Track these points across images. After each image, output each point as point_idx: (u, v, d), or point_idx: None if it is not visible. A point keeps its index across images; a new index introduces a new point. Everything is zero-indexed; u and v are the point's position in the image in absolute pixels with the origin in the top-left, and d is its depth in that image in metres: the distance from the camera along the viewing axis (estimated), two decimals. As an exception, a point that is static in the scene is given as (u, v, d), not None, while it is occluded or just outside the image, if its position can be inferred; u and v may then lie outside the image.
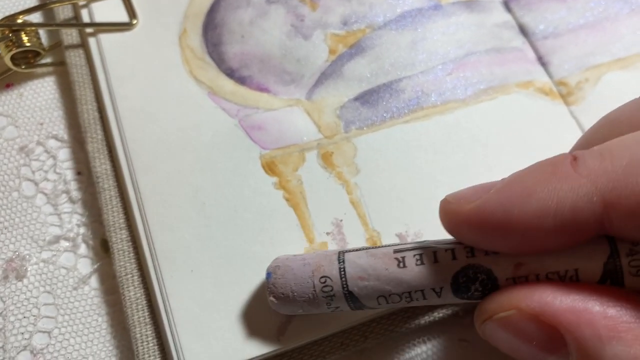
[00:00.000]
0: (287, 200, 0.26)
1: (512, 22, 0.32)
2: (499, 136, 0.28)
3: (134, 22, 0.30)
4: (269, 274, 0.22)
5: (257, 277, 0.25)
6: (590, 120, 0.29)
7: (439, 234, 0.24)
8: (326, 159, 0.27)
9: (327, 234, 0.26)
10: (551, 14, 0.32)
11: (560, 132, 0.30)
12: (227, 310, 0.24)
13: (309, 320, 0.24)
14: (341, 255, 0.21)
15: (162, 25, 0.30)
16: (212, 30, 0.30)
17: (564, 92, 0.31)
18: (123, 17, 0.30)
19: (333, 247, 0.26)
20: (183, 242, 0.25)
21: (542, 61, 0.31)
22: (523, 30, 0.32)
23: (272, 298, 0.22)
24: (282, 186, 0.26)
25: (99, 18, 0.30)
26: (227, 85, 0.29)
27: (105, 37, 0.30)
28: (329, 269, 0.21)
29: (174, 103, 0.28)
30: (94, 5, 0.30)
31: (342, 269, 0.20)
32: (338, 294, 0.21)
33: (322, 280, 0.20)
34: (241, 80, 0.29)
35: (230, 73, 0.29)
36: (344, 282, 0.20)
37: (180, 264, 0.25)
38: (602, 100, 0.30)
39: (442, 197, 0.24)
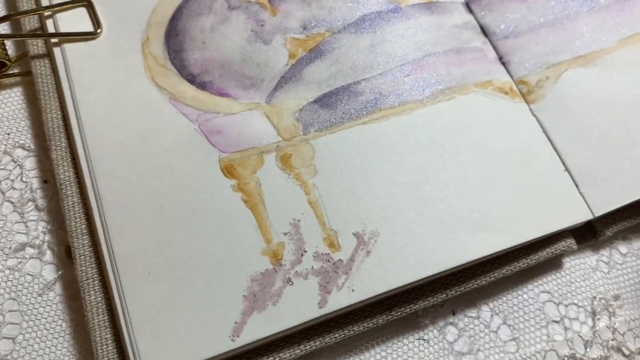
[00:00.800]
0: (245, 202, 0.27)
1: (473, 22, 0.33)
2: (457, 136, 0.29)
3: (99, 31, 0.30)
4: None
5: (213, 280, 0.25)
6: (549, 118, 0.29)
7: (396, 232, 0.25)
8: (285, 161, 0.27)
9: (285, 234, 0.26)
10: (512, 13, 0.32)
11: (520, 131, 0.30)
12: (184, 313, 0.24)
13: (265, 321, 0.24)
14: None
15: (125, 34, 0.30)
16: (174, 37, 0.30)
17: (524, 91, 0.31)
18: (88, 26, 0.31)
19: (291, 247, 0.26)
20: (141, 246, 0.25)
21: (502, 60, 0.32)
22: (484, 30, 0.33)
23: None
24: (241, 188, 0.27)
25: (64, 28, 0.30)
26: (188, 90, 0.29)
27: (71, 47, 0.30)
28: None
29: (135, 109, 0.28)
30: (59, 16, 0.31)
31: None
32: None
33: None
34: (202, 86, 0.29)
35: (192, 79, 0.29)
36: None
37: (139, 268, 0.25)
38: (562, 98, 0.30)
39: (399, 196, 0.24)
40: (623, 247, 0.30)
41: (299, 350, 0.25)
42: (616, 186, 0.29)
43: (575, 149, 0.29)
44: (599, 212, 0.29)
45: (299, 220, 0.26)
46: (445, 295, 0.27)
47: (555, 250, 0.29)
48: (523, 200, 0.28)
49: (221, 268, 0.25)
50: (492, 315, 0.28)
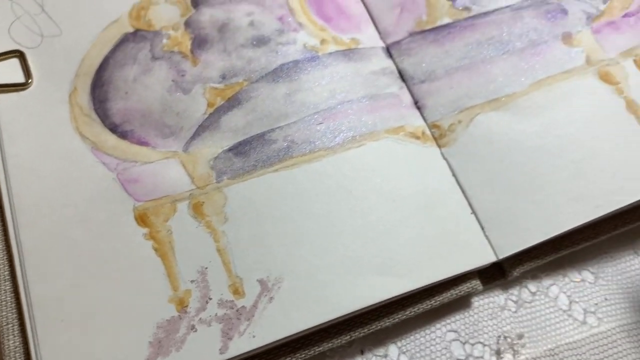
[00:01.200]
0: (155, 250, 0.28)
1: (391, 67, 0.34)
2: (365, 182, 0.30)
3: (29, 81, 0.32)
4: None
5: (122, 326, 0.26)
6: (459, 161, 0.30)
7: (299, 278, 0.26)
8: (197, 209, 0.29)
9: (192, 281, 0.27)
10: (430, 57, 0.34)
11: (430, 175, 0.31)
12: (93, 359, 0.26)
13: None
14: None
15: (55, 85, 0.32)
16: (99, 87, 0.32)
17: (437, 135, 0.32)
18: (20, 77, 0.32)
19: (197, 294, 0.27)
20: (57, 293, 0.27)
21: (418, 105, 0.33)
22: (402, 75, 0.34)
23: None
24: (152, 237, 0.28)
25: (-4, 79, 0.32)
26: (110, 140, 0.30)
27: (2, 98, 0.32)
28: None
29: (59, 159, 0.30)
30: (-8, 67, 0.32)
31: None
32: None
33: None
34: (123, 135, 0.31)
35: (114, 128, 0.31)
36: None
37: (53, 314, 0.27)
38: (472, 142, 0.32)
39: (305, 242, 0.25)
40: (532, 286, 0.32)
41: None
42: (520, 229, 0.30)
43: (483, 192, 0.31)
44: (503, 255, 0.30)
45: (206, 268, 0.28)
46: (349, 336, 0.28)
47: (460, 292, 0.30)
48: (427, 243, 0.29)
49: (130, 315, 0.27)
50: (399, 354, 0.30)
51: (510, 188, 0.31)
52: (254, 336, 0.27)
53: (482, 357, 0.30)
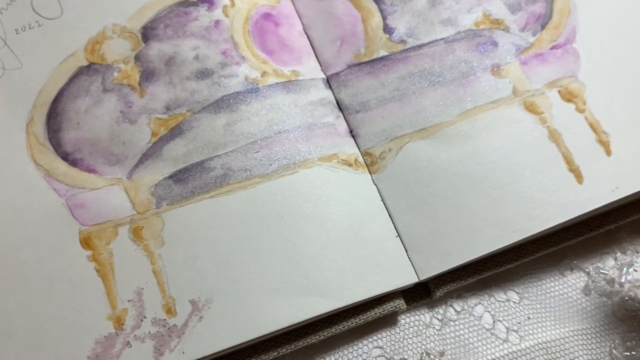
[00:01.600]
0: (97, 271, 0.30)
1: (330, 98, 0.36)
2: (296, 207, 0.32)
3: (-10, 111, 0.34)
4: None
5: (63, 342, 0.29)
6: (388, 187, 0.32)
7: (228, 298, 0.28)
8: (136, 233, 0.31)
9: (129, 301, 0.30)
10: (365, 89, 0.36)
11: (359, 200, 0.33)
12: (33, 371, 0.28)
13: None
14: None
15: (13, 114, 0.34)
16: (54, 118, 0.34)
17: (369, 162, 0.34)
18: (-18, 107, 0.35)
19: (133, 313, 0.30)
20: (5, 309, 0.29)
21: (352, 133, 0.35)
22: (339, 105, 0.36)
23: None
24: (95, 259, 0.31)
25: (-40, 109, 0.35)
26: (62, 167, 0.33)
27: (-36, 127, 0.34)
28: None
29: (13, 185, 0.32)
30: (-44, 99, 0.35)
31: None
32: None
33: None
34: (74, 163, 0.33)
35: (65, 156, 0.33)
36: None
37: (1, 329, 0.29)
38: (401, 169, 0.34)
39: (235, 264, 0.27)
40: (458, 305, 0.33)
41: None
42: (441, 252, 0.32)
43: (408, 217, 0.33)
44: (424, 276, 0.32)
45: (142, 288, 0.30)
46: (277, 352, 0.31)
47: (384, 311, 0.32)
48: (352, 265, 0.31)
49: (71, 330, 0.29)
50: (327, 369, 0.32)
51: (434, 213, 0.32)
52: (183, 352, 0.29)
53: (405, 372, 0.32)
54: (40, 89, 0.35)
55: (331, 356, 0.32)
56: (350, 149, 0.34)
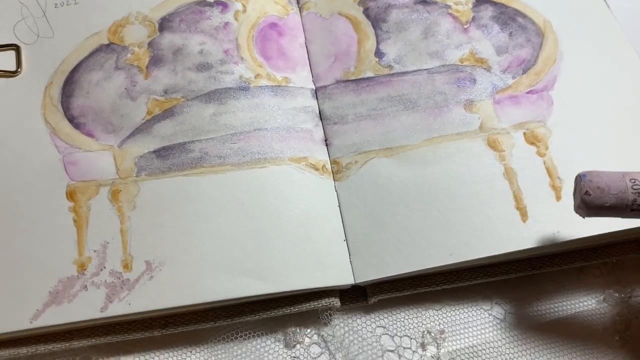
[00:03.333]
0: (74, 221, 0.35)
1: (313, 107, 0.39)
2: (258, 197, 0.35)
3: (19, 71, 0.40)
4: (584, 175, 0.28)
5: (31, 273, 0.33)
6: (347, 195, 0.35)
7: (179, 265, 0.32)
8: (114, 195, 0.35)
9: (95, 251, 0.34)
10: (346, 104, 0.39)
11: (318, 202, 0.36)
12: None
13: (58, 314, 0.32)
14: None
15: (37, 77, 0.39)
16: (69, 85, 0.39)
17: (335, 170, 0.37)
18: (13, 66, 0.40)
19: (96, 262, 0.34)
20: (-9, 240, 0.34)
21: (327, 142, 0.38)
22: (321, 115, 0.39)
23: (587, 190, 0.27)
24: (75, 210, 0.35)
25: (-5, 65, 0.40)
26: (66, 128, 0.38)
27: (-5, 80, 0.40)
28: (635, 175, 0.27)
29: (24, 136, 0.37)
30: (-7, 55, 0.40)
31: None
32: None
33: (632, 180, 0.27)
34: (77, 126, 0.38)
35: (71, 119, 0.38)
36: None
37: (-16, 256, 0.34)
38: (362, 180, 0.37)
39: (192, 237, 0.33)
40: (385, 314, 0.36)
41: (85, 342, 0.33)
42: (381, 261, 0.34)
43: (358, 224, 0.35)
44: (360, 280, 0.34)
45: (108, 243, 0.34)
46: (214, 322, 0.34)
47: (318, 304, 0.35)
48: (297, 257, 0.34)
49: (41, 267, 0.33)
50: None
51: (382, 225, 0.35)
52: (129, 304, 0.33)
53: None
54: (64, 58, 0.40)
55: (265, 337, 0.35)
56: (320, 156, 0.38)
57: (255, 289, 0.33)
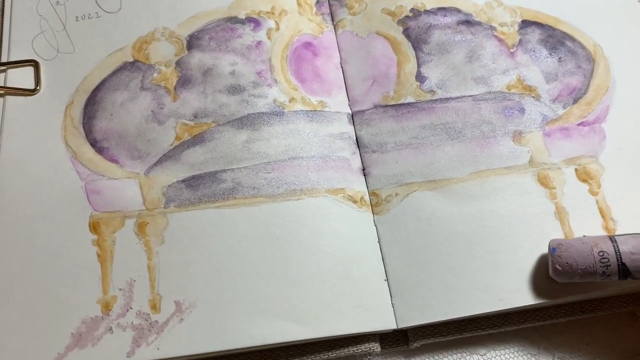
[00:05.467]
0: (98, 255, 0.32)
1: (350, 133, 0.37)
2: (294, 232, 0.33)
3: (37, 89, 0.37)
4: (553, 249, 0.30)
5: (53, 313, 0.31)
6: (387, 230, 0.33)
7: (211, 306, 0.29)
8: (141, 228, 0.33)
9: (120, 289, 0.32)
10: (386, 131, 0.37)
11: (357, 237, 0.34)
12: (20, 334, 0.30)
13: (81, 358, 0.30)
14: (613, 238, 0.29)
15: (57, 96, 0.37)
16: (91, 105, 0.36)
17: (374, 202, 0.35)
18: (32, 83, 0.38)
19: (121, 302, 0.31)
20: (7, 275, 0.32)
21: (364, 172, 0.36)
22: (358, 142, 0.37)
23: (557, 266, 0.29)
24: (98, 244, 0.33)
25: (12, 82, 0.37)
26: (88, 152, 0.35)
27: (12, 99, 0.37)
28: (605, 246, 0.29)
29: (42, 160, 0.35)
30: (10, 71, 0.38)
31: (616, 247, 0.29)
32: (613, 265, 0.28)
33: (600, 254, 0.29)
34: (100, 151, 0.35)
35: (94, 143, 0.35)
36: (619, 257, 0.28)
37: (1, 291, 0.31)
38: (403, 215, 0.34)
39: (224, 276, 0.30)
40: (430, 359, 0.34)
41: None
42: (425, 305, 0.32)
43: (400, 263, 0.33)
44: (403, 325, 0.32)
45: (134, 280, 0.32)
46: (247, 368, 0.32)
47: (357, 350, 0.32)
48: (335, 299, 0.32)
49: (63, 306, 0.31)
50: (292, 394, 0.33)
51: (425, 264, 0.33)
52: (158, 348, 0.30)
53: (366, 413, 0.32)
54: (86, 75, 0.37)
55: (299, 382, 0.33)
56: (358, 187, 0.35)
57: (293, 334, 0.31)
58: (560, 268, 0.29)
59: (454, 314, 0.32)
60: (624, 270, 0.29)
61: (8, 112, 0.36)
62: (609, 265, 0.29)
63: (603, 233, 0.33)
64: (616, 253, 0.29)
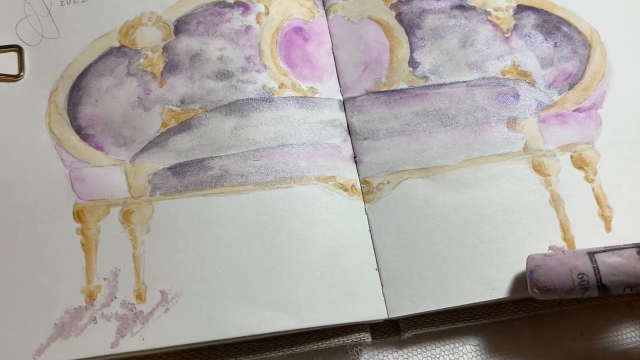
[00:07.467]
0: (82, 244, 0.32)
1: (341, 120, 0.36)
2: (282, 221, 0.32)
3: (21, 74, 0.36)
4: (531, 272, 0.29)
5: (35, 304, 0.30)
6: (378, 218, 0.32)
7: (196, 296, 0.29)
8: (126, 216, 0.32)
9: (104, 279, 0.31)
10: (377, 118, 0.36)
11: (347, 226, 0.33)
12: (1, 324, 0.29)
13: (64, 349, 0.29)
14: (592, 256, 0.28)
15: (41, 82, 0.36)
16: (76, 91, 0.36)
17: (365, 190, 0.34)
18: (15, 69, 0.37)
19: (106, 291, 0.31)
20: (-10, 264, 0.31)
21: (355, 159, 0.35)
22: (349, 129, 0.36)
23: (535, 290, 0.28)
24: (83, 232, 0.32)
25: (-5, 68, 0.37)
26: (73, 139, 0.34)
27: (-5, 84, 0.36)
28: (584, 267, 0.28)
29: (26, 148, 0.34)
30: (-7, 57, 0.37)
31: (595, 268, 0.27)
32: (593, 286, 0.27)
33: (580, 276, 0.27)
34: (85, 137, 0.34)
35: (78, 130, 0.35)
36: (599, 278, 0.27)
37: (-17, 282, 0.31)
38: (395, 203, 0.34)
39: (210, 265, 0.29)
40: (418, 350, 0.33)
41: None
42: (417, 294, 0.32)
43: (391, 252, 0.33)
44: (394, 314, 0.32)
45: (119, 270, 0.31)
46: (234, 358, 0.31)
47: (348, 340, 0.32)
48: (325, 289, 0.31)
49: (46, 296, 0.30)
50: (281, 385, 0.32)
51: (417, 254, 0.32)
52: (143, 339, 0.30)
53: (356, 405, 0.32)
54: (71, 61, 0.37)
55: (288, 373, 0.32)
56: (349, 174, 0.35)
57: (281, 325, 0.30)
58: (538, 291, 0.29)
59: (446, 304, 0.31)
60: (604, 289, 0.28)
61: (-9, 98, 0.36)
62: (589, 288, 0.28)
63: (599, 221, 0.33)
64: (596, 275, 0.28)
